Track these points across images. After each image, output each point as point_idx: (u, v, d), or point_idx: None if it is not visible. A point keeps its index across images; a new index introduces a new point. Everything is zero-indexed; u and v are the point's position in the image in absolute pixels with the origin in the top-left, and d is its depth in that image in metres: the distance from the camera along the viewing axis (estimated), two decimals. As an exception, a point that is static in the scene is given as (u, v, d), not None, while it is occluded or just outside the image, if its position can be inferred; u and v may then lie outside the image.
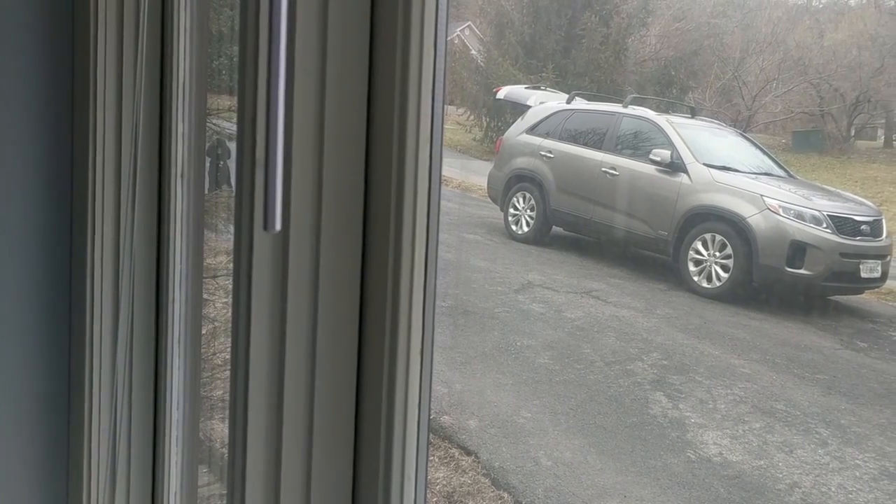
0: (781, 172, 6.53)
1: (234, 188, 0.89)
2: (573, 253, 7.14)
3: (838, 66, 7.59)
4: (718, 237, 5.76)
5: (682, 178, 6.18)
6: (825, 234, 5.38)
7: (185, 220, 1.25)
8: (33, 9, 1.32)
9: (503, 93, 8.12)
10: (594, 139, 7.07)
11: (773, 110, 8.30)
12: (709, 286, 5.77)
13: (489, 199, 7.86)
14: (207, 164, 1.34)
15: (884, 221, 5.62)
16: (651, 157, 6.41)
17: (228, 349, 0.92)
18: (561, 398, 4.32)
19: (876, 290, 5.68)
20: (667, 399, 4.29)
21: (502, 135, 8.31)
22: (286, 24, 0.74)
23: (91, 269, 1.31)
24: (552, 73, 8.79)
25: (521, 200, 7.31)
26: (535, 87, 8.08)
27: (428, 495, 3.42)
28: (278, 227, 0.75)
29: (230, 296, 0.91)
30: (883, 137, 8.00)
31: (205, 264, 1.31)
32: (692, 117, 7.31)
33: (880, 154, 7.70)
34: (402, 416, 0.85)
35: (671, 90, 8.98)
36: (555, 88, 8.24)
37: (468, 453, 3.71)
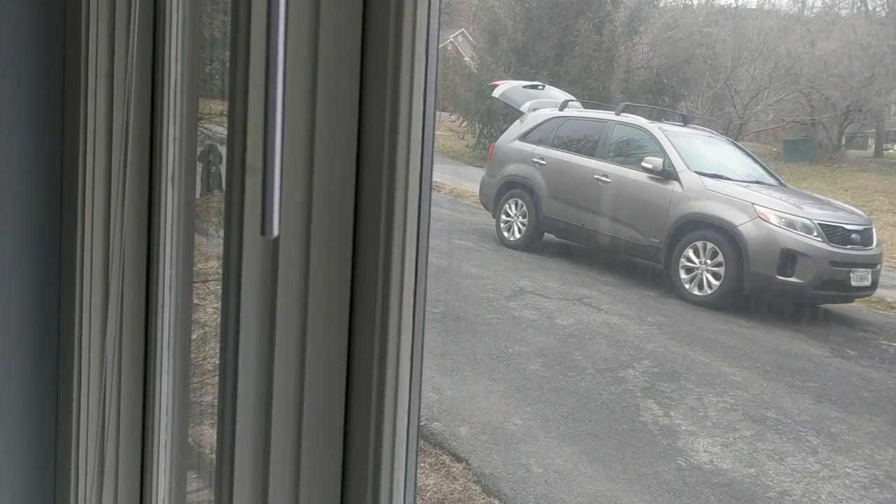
0: (773, 181, 6.56)
1: (224, 193, 0.89)
2: (565, 260, 7.16)
3: (829, 76, 7.64)
4: (710, 245, 5.78)
5: (674, 185, 6.20)
6: (816, 242, 5.41)
7: (175, 224, 1.24)
8: (24, 10, 1.31)
9: (500, 90, 8.10)
10: (586, 146, 7.10)
11: (765, 119, 8.34)
12: (700, 294, 5.79)
13: (481, 206, 7.87)
14: (199, 169, 1.33)
15: (874, 230, 5.65)
16: (643, 164, 6.44)
17: (219, 354, 0.92)
18: (552, 405, 4.32)
19: (866, 298, 5.71)
20: (658, 406, 4.29)
21: (495, 141, 8.32)
22: (278, 29, 0.74)
23: (80, 271, 1.30)
24: (545, 79, 8.82)
25: (513, 207, 7.32)
26: (533, 86, 8.08)
27: (419, 502, 3.41)
28: (276, 231, 0.75)
29: (220, 300, 0.90)
30: (873, 146, 8.05)
31: (196, 269, 1.31)
32: (684, 125, 7.34)
33: (871, 163, 7.74)
34: (391, 422, 0.85)
35: (663, 98, 9.02)
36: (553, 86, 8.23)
37: (459, 460, 3.70)
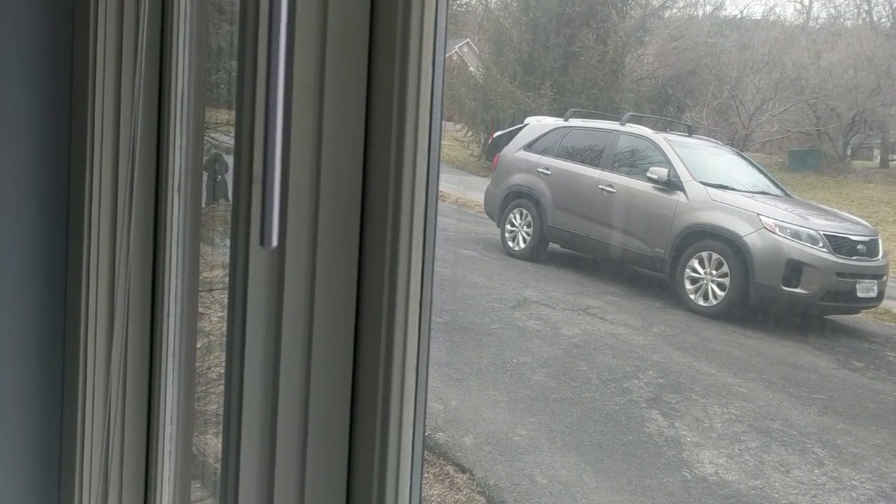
0: (778, 191, 6.54)
1: (231, 202, 0.89)
2: (570, 270, 7.14)
3: (835, 87, 7.62)
4: (715, 255, 5.76)
5: (679, 196, 6.19)
6: (821, 253, 5.39)
7: (181, 233, 1.24)
8: (33, 21, 1.32)
9: (497, 134, 8.29)
10: (591, 156, 7.09)
11: (770, 129, 8.33)
12: (705, 304, 5.77)
13: (486, 215, 7.87)
14: (205, 178, 1.34)
15: (880, 241, 5.63)
16: (648, 174, 6.43)
17: (223, 363, 0.92)
18: (557, 416, 4.31)
19: (872, 309, 5.68)
20: (663, 417, 4.28)
21: (498, 147, 8.33)
22: (285, 39, 0.74)
23: (86, 280, 1.30)
24: (550, 90, 8.82)
25: (518, 217, 7.32)
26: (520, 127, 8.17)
27: (422, 512, 3.40)
28: (275, 242, 0.75)
29: (226, 310, 0.90)
30: (879, 157, 8.02)
31: (201, 278, 1.31)
32: (689, 136, 7.34)
33: (876, 174, 7.72)
34: (396, 432, 0.84)
35: (668, 108, 9.01)
36: (549, 113, 8.31)
37: (463, 471, 3.69)
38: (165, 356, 1.26)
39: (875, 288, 5.42)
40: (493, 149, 8.29)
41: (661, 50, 9.41)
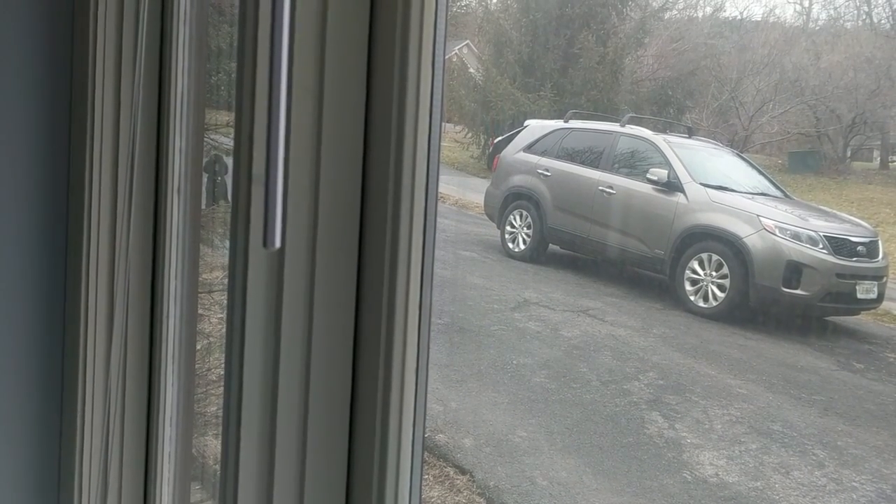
0: (778, 193, 6.55)
1: (230, 204, 0.89)
2: (570, 271, 7.14)
3: (834, 88, 7.63)
4: (715, 257, 5.76)
5: (679, 197, 6.19)
6: (821, 254, 5.39)
7: (181, 235, 1.24)
8: (32, 21, 1.32)
9: (497, 140, 8.41)
10: (591, 158, 7.09)
11: (770, 131, 8.33)
12: (705, 306, 5.77)
13: (486, 217, 7.87)
14: (205, 180, 1.34)
15: (880, 242, 5.63)
16: (648, 176, 6.43)
17: (223, 365, 0.92)
18: (557, 417, 4.31)
19: (872, 311, 5.68)
20: (663, 419, 4.28)
21: (500, 152, 8.33)
22: (285, 40, 0.74)
23: (86, 282, 1.30)
24: (550, 91, 8.83)
25: (517, 218, 7.32)
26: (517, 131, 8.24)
27: (422, 514, 3.39)
28: (278, 244, 0.75)
29: (225, 311, 0.90)
30: (879, 159, 8.02)
31: (200, 279, 1.31)
32: (689, 137, 7.34)
33: (876, 175, 7.72)
34: (396, 433, 0.84)
35: (668, 110, 9.02)
36: (549, 115, 8.37)
37: (463, 472, 3.69)
38: (165, 358, 1.26)
39: (875, 289, 5.43)
40: (495, 154, 8.33)
41: (660, 51, 9.41)
